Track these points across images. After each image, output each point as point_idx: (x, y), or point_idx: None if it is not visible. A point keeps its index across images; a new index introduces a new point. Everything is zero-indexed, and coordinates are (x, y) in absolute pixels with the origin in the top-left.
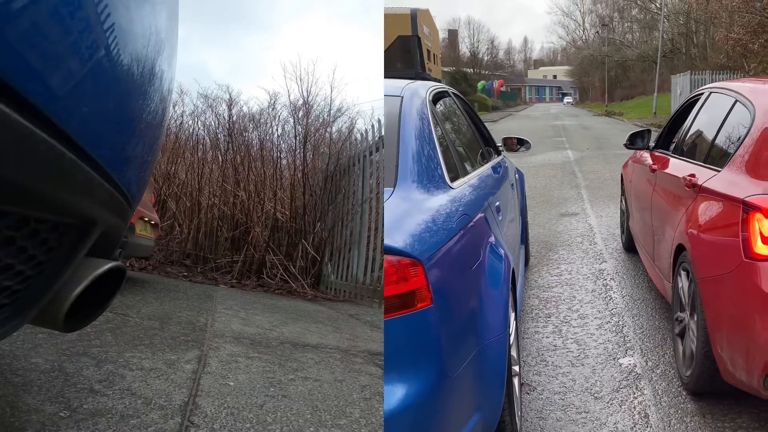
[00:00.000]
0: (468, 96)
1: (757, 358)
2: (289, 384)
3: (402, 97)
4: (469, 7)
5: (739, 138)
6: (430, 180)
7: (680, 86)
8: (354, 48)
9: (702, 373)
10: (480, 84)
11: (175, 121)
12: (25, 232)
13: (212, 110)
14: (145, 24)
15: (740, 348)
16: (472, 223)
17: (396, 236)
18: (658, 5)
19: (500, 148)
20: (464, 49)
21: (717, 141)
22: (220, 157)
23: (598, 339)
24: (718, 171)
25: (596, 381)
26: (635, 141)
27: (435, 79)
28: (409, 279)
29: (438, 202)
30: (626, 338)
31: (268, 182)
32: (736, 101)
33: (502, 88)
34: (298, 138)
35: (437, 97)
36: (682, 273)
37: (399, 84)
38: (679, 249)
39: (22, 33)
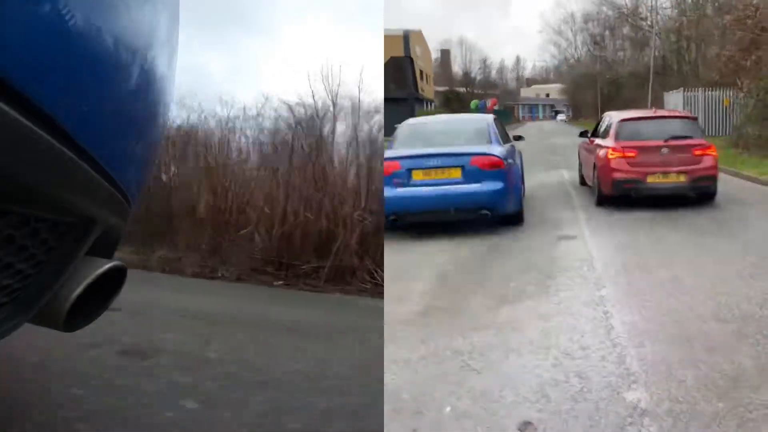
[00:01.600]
0: None
1: (607, 180)
2: None
3: (486, 119)
4: (462, 29)
5: (608, 128)
6: (498, 142)
7: (673, 103)
8: (353, 49)
9: (597, 196)
10: (473, 103)
11: (241, 128)
12: (25, 231)
13: (282, 116)
14: (146, 26)
15: (604, 180)
16: (510, 159)
17: (496, 153)
18: (649, 23)
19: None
20: (457, 68)
21: (604, 130)
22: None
23: (601, 372)
24: (604, 139)
25: (600, 418)
26: (583, 134)
27: (427, 99)
28: (500, 163)
29: (501, 147)
30: (630, 370)
31: (349, 186)
32: (611, 118)
33: (495, 107)
34: (357, 141)
35: (494, 118)
36: (594, 175)
37: (480, 116)
38: (594, 165)
39: (23, 33)
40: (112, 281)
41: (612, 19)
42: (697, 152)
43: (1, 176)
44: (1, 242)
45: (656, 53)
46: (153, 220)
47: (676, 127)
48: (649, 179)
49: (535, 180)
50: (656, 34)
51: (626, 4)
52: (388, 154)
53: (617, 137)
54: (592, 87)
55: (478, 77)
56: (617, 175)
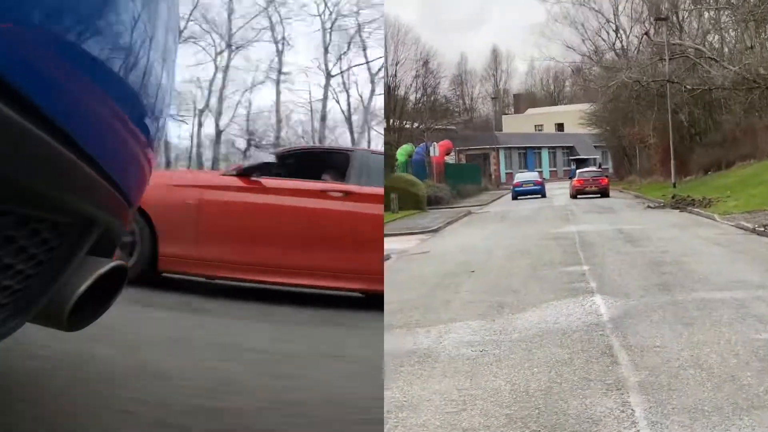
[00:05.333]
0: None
1: (572, 190)
2: None
3: (536, 174)
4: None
5: (575, 174)
6: (540, 178)
7: None
8: None
9: (570, 195)
10: (402, 151)
11: None
12: (26, 231)
13: None
14: (145, 29)
15: (572, 190)
16: (543, 182)
17: (539, 179)
18: None
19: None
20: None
21: (574, 174)
22: None
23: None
24: (573, 179)
25: None
26: (572, 177)
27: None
28: (541, 182)
29: (541, 179)
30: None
31: None
32: (576, 169)
33: (449, 158)
34: None
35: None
36: (570, 189)
37: (534, 173)
38: (570, 186)
39: (23, 33)
40: (113, 281)
41: None
42: (601, 181)
43: (0, 177)
44: (1, 243)
45: None
46: None
47: (595, 173)
48: (586, 189)
49: None
50: None
51: None
52: (515, 180)
53: (577, 177)
54: (654, 109)
55: (415, 95)
56: (575, 188)
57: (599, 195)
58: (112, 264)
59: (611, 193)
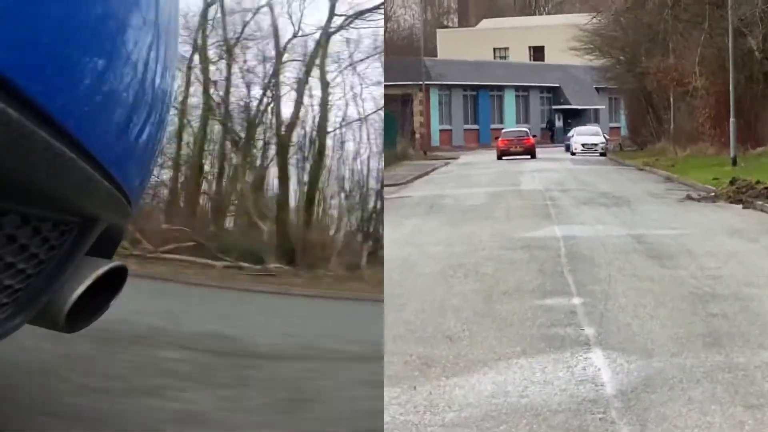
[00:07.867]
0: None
1: (498, 151)
2: None
3: (526, 130)
4: None
5: (501, 135)
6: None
7: None
8: None
9: (496, 156)
10: None
11: None
12: (27, 230)
13: None
14: (147, 32)
15: (498, 151)
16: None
17: (529, 135)
18: None
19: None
20: None
21: (499, 136)
22: None
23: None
24: (498, 139)
25: None
26: (497, 137)
27: None
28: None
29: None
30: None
31: None
32: (503, 131)
33: None
34: None
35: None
36: (496, 150)
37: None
38: (496, 147)
39: (24, 32)
40: (113, 282)
41: None
42: (525, 141)
43: (1, 175)
44: (2, 242)
45: None
46: None
47: (520, 133)
48: (511, 149)
49: None
50: None
51: None
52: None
53: (502, 136)
54: (705, 27)
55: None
56: (501, 149)
57: (528, 156)
58: (111, 264)
59: (624, 172)
